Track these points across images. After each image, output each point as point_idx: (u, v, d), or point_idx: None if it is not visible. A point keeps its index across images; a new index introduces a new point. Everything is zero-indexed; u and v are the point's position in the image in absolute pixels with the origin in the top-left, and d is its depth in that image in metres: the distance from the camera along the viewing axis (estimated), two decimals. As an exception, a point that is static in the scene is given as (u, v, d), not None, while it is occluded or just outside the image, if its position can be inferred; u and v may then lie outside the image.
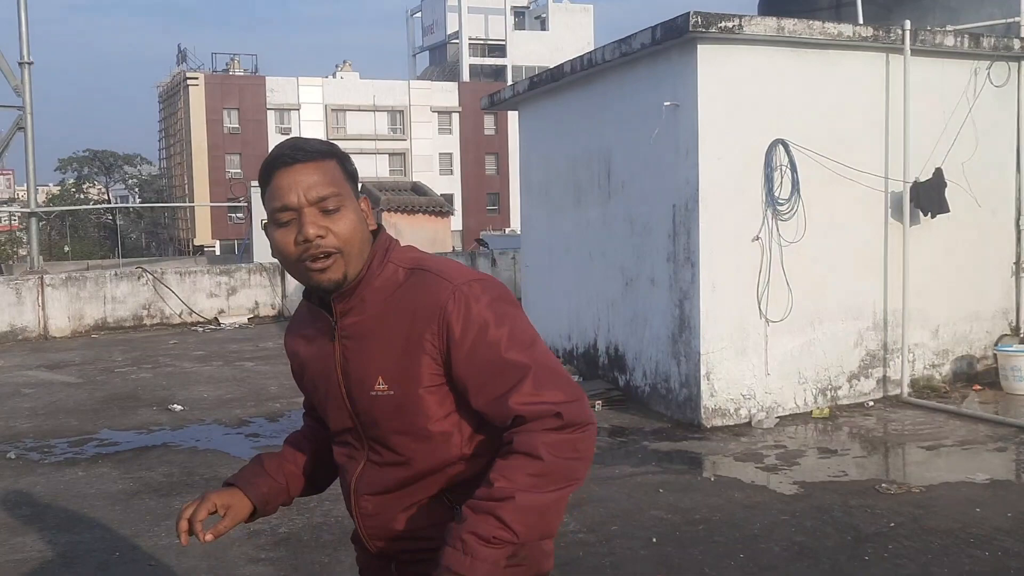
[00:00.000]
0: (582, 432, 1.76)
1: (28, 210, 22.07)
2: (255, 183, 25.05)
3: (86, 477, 7.05)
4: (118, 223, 50.29)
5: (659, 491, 6.14)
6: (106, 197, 70.70)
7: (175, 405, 9.66)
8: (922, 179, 8.40)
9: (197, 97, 58.89)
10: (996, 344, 8.79)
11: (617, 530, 5.43)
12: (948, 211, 8.38)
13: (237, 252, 39.66)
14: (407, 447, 1.87)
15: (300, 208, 1.78)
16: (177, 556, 5.28)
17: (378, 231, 1.93)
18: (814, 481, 6.27)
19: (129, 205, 65.04)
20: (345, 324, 1.88)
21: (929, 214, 8.42)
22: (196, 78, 59.37)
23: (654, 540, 5.24)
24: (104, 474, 7.12)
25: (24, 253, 41.94)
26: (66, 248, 52.63)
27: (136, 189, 73.97)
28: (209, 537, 1.97)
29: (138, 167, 73.85)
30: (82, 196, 68.01)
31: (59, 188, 70.31)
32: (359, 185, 1.90)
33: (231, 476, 2.16)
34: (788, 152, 7.97)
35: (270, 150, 1.89)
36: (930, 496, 5.83)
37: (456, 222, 55.56)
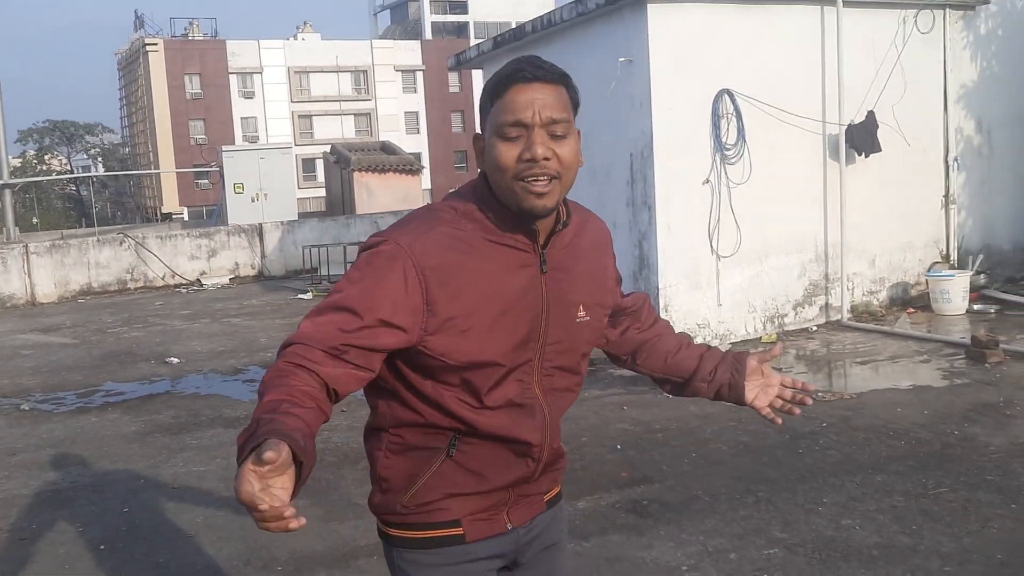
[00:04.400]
0: None
1: (2, 182, 22.35)
2: (226, 147, 25.48)
3: (99, 422, 7.69)
4: (90, 191, 50.16)
5: (623, 408, 6.90)
6: (68, 168, 70.26)
7: (172, 358, 10.29)
8: (856, 122, 9.14)
9: (157, 63, 58.53)
10: (928, 271, 9.60)
11: (587, 440, 6.17)
12: (880, 150, 9.13)
13: (207, 217, 39.89)
14: (583, 366, 2.03)
15: (532, 126, 1.76)
16: (198, 480, 5.96)
17: None
18: (759, 394, 7.05)
19: (99, 174, 64.70)
20: (553, 256, 1.90)
21: (863, 154, 9.18)
22: (155, 44, 58.94)
23: (619, 447, 5.99)
24: (116, 419, 7.76)
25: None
26: (34, 220, 52.50)
27: (99, 158, 73.49)
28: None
29: (100, 136, 73.34)
30: (44, 167, 67.56)
31: (20, 160, 69.73)
32: (576, 113, 1.88)
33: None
34: (733, 101, 8.66)
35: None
36: (860, 401, 6.64)
37: (425, 180, 55.90)
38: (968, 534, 4.24)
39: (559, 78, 1.81)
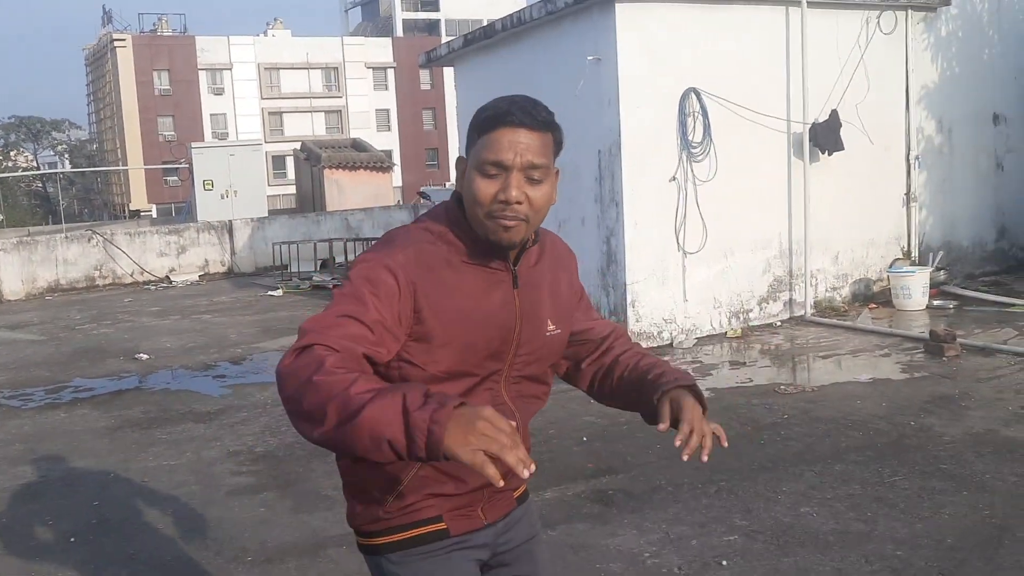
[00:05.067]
0: None
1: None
2: (195, 144, 25.32)
3: (69, 418, 7.69)
4: (58, 188, 49.66)
5: (590, 402, 6.93)
6: (35, 164, 69.48)
7: (141, 354, 10.27)
8: (820, 120, 9.31)
9: (125, 59, 57.97)
10: (889, 267, 9.78)
11: (554, 433, 6.27)
12: (843, 149, 9.31)
13: (175, 215, 39.58)
14: (549, 376, 2.16)
15: (511, 168, 1.84)
16: (168, 474, 6.00)
17: None
18: (724, 387, 7.19)
19: (67, 171, 64.00)
20: (523, 273, 2.00)
21: (827, 152, 9.35)
22: (123, 39, 58.36)
23: (585, 439, 6.10)
24: (85, 414, 7.76)
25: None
26: (0, 217, 51.83)
27: (66, 155, 72.72)
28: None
29: (67, 132, 72.55)
30: (10, 164, 66.74)
31: (-16, 156, 68.84)
32: (557, 155, 1.96)
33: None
34: (700, 99, 8.79)
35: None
36: (821, 394, 6.78)
37: (396, 178, 55.90)
38: (921, 520, 4.37)
39: (546, 126, 1.88)
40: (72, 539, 4.94)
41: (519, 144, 1.84)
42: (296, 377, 1.66)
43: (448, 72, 12.79)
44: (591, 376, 2.23)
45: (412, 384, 1.63)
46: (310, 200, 23.26)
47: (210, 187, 22.74)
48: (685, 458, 1.85)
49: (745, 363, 7.99)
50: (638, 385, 2.09)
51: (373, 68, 62.38)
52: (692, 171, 8.83)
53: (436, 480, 2.00)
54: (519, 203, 1.85)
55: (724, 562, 4.07)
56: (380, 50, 63.01)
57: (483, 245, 1.92)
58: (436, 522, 2.02)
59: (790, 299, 9.49)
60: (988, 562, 3.91)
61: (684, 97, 8.77)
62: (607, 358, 2.22)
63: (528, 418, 2.11)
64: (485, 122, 1.87)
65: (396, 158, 57.74)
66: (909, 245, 10.13)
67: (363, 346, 1.77)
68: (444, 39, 51.29)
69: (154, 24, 62.46)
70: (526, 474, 1.46)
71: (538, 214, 1.90)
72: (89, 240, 17.28)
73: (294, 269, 17.21)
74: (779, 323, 9.36)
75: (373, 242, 2.07)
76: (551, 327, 2.06)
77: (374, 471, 2.00)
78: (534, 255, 2.04)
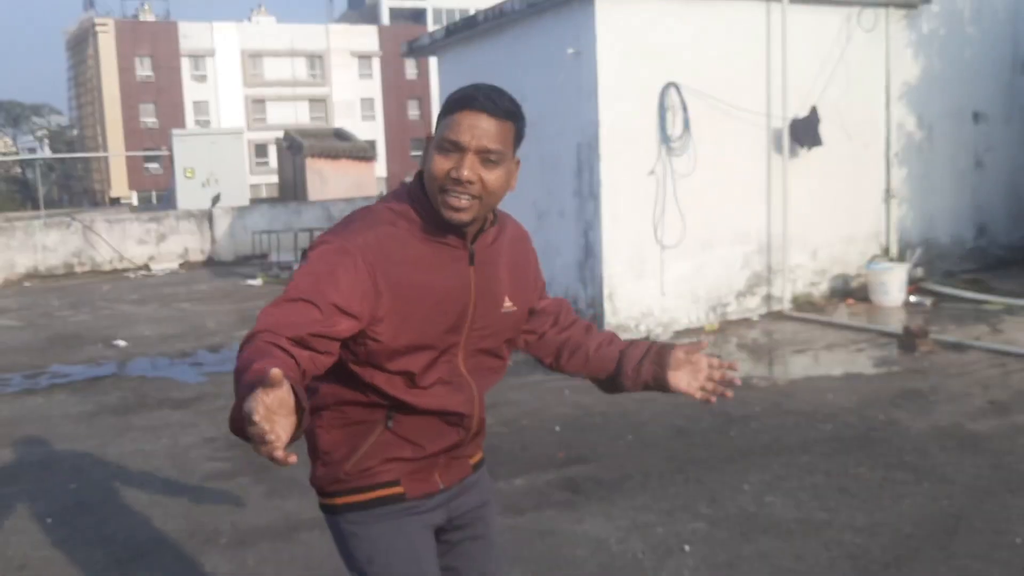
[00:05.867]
0: None
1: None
2: (176, 131, 25.20)
3: (46, 403, 7.70)
4: (37, 174, 49.30)
5: (564, 392, 7.06)
6: (14, 149, 68.90)
7: (119, 342, 10.27)
8: (800, 116, 9.38)
9: (107, 44, 57.58)
10: (868, 263, 9.88)
11: (527, 424, 6.34)
12: (822, 144, 9.38)
13: (156, 203, 39.41)
14: (506, 352, 2.26)
15: (466, 150, 1.94)
16: (144, 458, 6.03)
17: None
18: (698, 379, 7.26)
19: (46, 156, 63.51)
20: (480, 251, 2.10)
21: (806, 147, 9.42)
22: (105, 24, 57.96)
23: (558, 429, 6.17)
24: (63, 400, 7.78)
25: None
26: (-22, 202, 51.48)
27: (46, 141, 72.17)
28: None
29: (47, 118, 72.01)
30: (-11, 149, 66.19)
31: (-37, 141, 68.23)
32: (518, 145, 2.07)
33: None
34: (679, 93, 8.86)
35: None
36: (793, 387, 6.88)
37: (380, 168, 55.70)
38: (881, 510, 4.47)
39: (507, 115, 1.99)
40: (49, 520, 4.97)
41: (477, 128, 1.95)
42: (244, 359, 1.75)
43: (434, 62, 12.82)
44: (557, 347, 2.37)
45: (245, 383, 1.64)
46: (292, 189, 23.21)
47: (191, 175, 22.65)
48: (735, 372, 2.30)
49: (721, 357, 7.91)
50: (610, 369, 2.33)
51: (358, 56, 62.13)
52: (671, 165, 8.89)
53: (395, 445, 2.12)
54: (471, 182, 1.96)
55: (687, 548, 4.15)
56: (365, 38, 62.75)
57: (441, 222, 2.01)
58: (393, 485, 2.14)
59: (768, 294, 9.58)
60: (942, 550, 4.00)
61: (664, 91, 8.83)
62: (571, 333, 2.38)
63: (484, 390, 2.21)
64: (451, 104, 1.98)
65: (381, 147, 57.60)
66: (888, 241, 10.23)
67: (312, 328, 1.86)
68: (430, 28, 51.15)
69: (136, 9, 62.06)
70: (291, 460, 1.51)
71: (491, 196, 2.00)
72: (68, 227, 17.22)
73: (274, 258, 17.21)
74: (756, 317, 9.44)
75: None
76: (507, 304, 2.17)
77: (336, 435, 2.14)
78: (492, 235, 2.13)
